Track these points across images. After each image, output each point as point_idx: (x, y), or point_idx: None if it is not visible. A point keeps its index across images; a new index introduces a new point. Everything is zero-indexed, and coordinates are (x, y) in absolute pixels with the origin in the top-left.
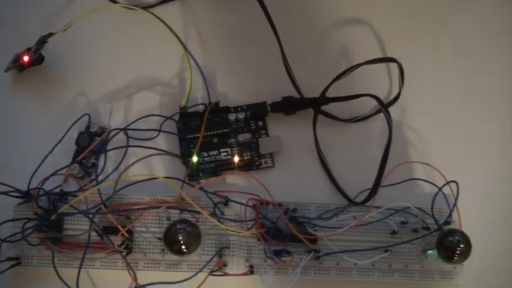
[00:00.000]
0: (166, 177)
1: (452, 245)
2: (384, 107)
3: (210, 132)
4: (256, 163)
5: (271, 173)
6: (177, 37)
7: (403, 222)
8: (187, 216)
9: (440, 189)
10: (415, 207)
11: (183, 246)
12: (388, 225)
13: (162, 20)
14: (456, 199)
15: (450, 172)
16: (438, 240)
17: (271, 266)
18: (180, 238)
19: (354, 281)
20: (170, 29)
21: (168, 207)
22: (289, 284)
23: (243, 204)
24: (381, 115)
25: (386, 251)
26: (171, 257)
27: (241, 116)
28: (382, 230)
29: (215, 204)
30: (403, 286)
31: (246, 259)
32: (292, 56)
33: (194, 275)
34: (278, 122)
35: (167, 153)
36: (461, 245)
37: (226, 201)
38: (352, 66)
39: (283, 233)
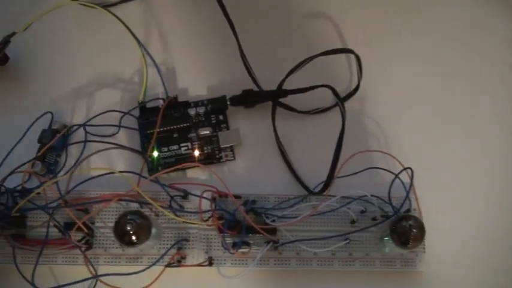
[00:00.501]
0: (121, 171)
1: (404, 230)
2: (338, 97)
3: (170, 127)
4: (217, 156)
5: (232, 166)
6: (133, 34)
7: (362, 211)
8: (145, 210)
9: (396, 175)
10: (372, 195)
11: (133, 237)
12: (348, 214)
13: (119, 18)
14: (411, 185)
15: (410, 160)
16: (391, 226)
17: (231, 258)
18: (129, 229)
19: (315, 271)
20: (126, 26)
21: (127, 201)
22: (245, 275)
23: (199, 196)
24: (337, 108)
25: (345, 240)
26: (131, 251)
27: (202, 110)
28: (342, 219)
29: (171, 197)
30: (365, 274)
31: (205, 251)
32: (252, 49)
33: (147, 268)
34: (239, 115)
35: (124, 147)
36: (414, 230)
37: (186, 194)
38: (307, 58)
39: (241, 224)
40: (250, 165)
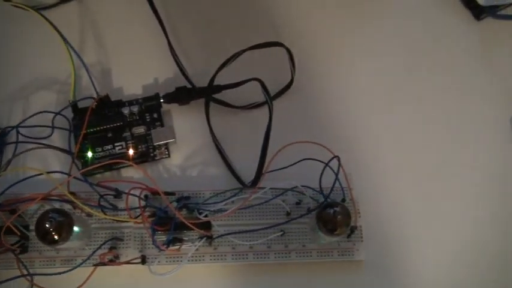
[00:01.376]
0: (49, 172)
1: (329, 217)
2: (265, 90)
3: (104, 127)
4: (151, 155)
5: (168, 164)
6: (60, 34)
7: (297, 203)
8: (77, 211)
9: (326, 164)
10: (303, 186)
11: (54, 235)
12: (284, 207)
13: (47, 19)
14: (337, 173)
15: (346, 152)
16: (317, 215)
17: (166, 256)
18: (48, 226)
19: (251, 264)
20: (54, 27)
21: (53, 201)
22: (176, 271)
23: (126, 193)
24: (277, 101)
25: (280, 231)
26: (66, 253)
27: (135, 109)
28: (277, 212)
29: (101, 196)
30: (302, 266)
31: (140, 250)
32: (186, 46)
33: (73, 269)
34: (173, 113)
35: (51, 147)
36: (339, 216)
37: (119, 193)
38: (236, 53)
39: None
40: (186, 163)
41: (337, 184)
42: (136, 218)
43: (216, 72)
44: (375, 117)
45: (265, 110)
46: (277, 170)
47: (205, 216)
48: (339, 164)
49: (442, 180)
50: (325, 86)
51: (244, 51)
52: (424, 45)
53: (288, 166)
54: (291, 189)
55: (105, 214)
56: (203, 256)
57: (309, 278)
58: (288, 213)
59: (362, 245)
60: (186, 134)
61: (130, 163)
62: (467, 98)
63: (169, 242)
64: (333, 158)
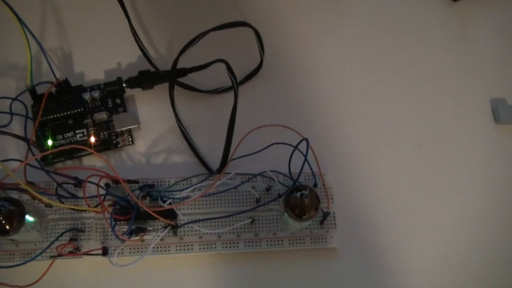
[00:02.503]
0: (3, 160)
1: (296, 201)
2: (231, 71)
3: (64, 113)
4: (114, 142)
5: (131, 151)
6: (18, 17)
7: (267, 189)
8: (35, 202)
9: (295, 147)
10: (272, 171)
11: (3, 224)
12: (253, 193)
13: (6, 3)
14: (306, 156)
15: (314, 136)
16: (284, 199)
17: (129, 247)
18: None
19: (219, 254)
20: (12, 10)
21: (4, 189)
22: (137, 262)
23: (83, 181)
24: (246, 85)
25: (250, 218)
26: (25, 246)
27: (97, 94)
28: (246, 199)
29: (58, 184)
30: (273, 255)
31: (102, 241)
32: (149, 29)
33: (28, 261)
34: (137, 98)
35: (2, 133)
36: (306, 200)
37: (79, 182)
38: (200, 34)
39: (135, 210)
40: (151, 150)
41: (308, 170)
42: (96, 207)
43: (179, 54)
44: (348, 100)
45: (233, 94)
46: (247, 155)
47: (169, 204)
48: (307, 146)
49: (419, 165)
50: (295, 70)
51: (208, 31)
52: (399, 27)
53: (257, 152)
54: (259, 174)
55: (63, 204)
56: (168, 247)
57: (280, 267)
58: (257, 200)
59: (335, 232)
60: (151, 120)
61: (91, 150)
62: (445, 80)
63: (131, 232)
64: (301, 141)
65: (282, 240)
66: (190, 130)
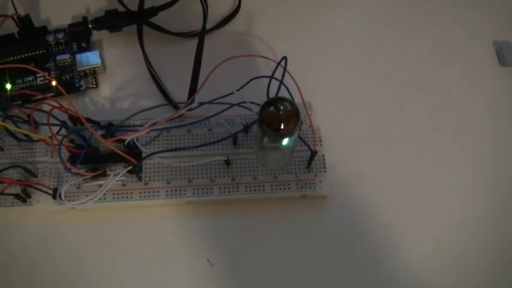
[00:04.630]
0: None
1: (272, 114)
2: None
3: (25, 55)
4: (77, 85)
5: (95, 95)
6: None
7: (245, 126)
8: None
9: (271, 76)
10: (252, 102)
11: None
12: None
13: None
14: (284, 73)
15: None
16: (259, 117)
17: (86, 193)
18: None
19: (190, 203)
20: None
21: None
22: (86, 203)
23: (32, 108)
24: (220, 30)
25: (227, 161)
26: None
27: (61, 35)
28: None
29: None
30: (253, 203)
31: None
32: None
33: None
34: (105, 41)
35: None
36: (282, 108)
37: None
38: None
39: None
40: (116, 94)
41: None
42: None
43: None
44: (340, 39)
45: (208, 38)
46: (224, 96)
47: (129, 142)
48: (285, 64)
49: (417, 108)
50: (273, 15)
51: None
52: None
53: (230, 94)
54: (236, 104)
55: (18, 127)
56: (131, 193)
57: (261, 218)
58: (234, 140)
59: (325, 177)
60: (118, 65)
61: (47, 96)
62: (446, 23)
63: (82, 162)
64: (279, 63)
65: (263, 186)
66: (161, 74)
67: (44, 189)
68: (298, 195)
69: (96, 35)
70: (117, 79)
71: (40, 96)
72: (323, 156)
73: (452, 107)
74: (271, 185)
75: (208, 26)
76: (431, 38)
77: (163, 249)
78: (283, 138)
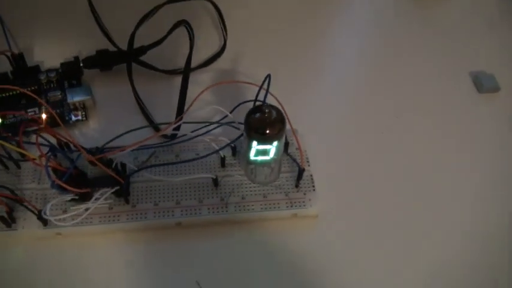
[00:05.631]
0: None
1: (257, 119)
2: (191, 29)
3: (17, 92)
4: (67, 118)
5: (85, 127)
6: None
7: (233, 149)
8: None
9: (260, 86)
10: (240, 123)
11: None
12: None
13: None
14: (268, 88)
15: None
16: (245, 124)
17: (72, 217)
18: None
19: (179, 223)
20: None
21: None
22: (71, 222)
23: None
24: (206, 68)
25: (215, 181)
26: None
27: (53, 74)
28: (211, 162)
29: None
30: (243, 224)
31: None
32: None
33: None
34: (96, 80)
35: None
36: (267, 110)
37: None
38: (156, 7)
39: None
40: (106, 126)
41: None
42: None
43: (136, 28)
44: (327, 66)
45: (195, 74)
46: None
47: (116, 164)
48: (269, 81)
49: (399, 130)
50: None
51: (163, 4)
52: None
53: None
54: (226, 123)
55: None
56: (118, 216)
57: (250, 236)
58: (224, 163)
59: (315, 195)
60: (108, 99)
61: (36, 127)
62: (425, 56)
63: (68, 178)
64: (265, 80)
65: (252, 205)
66: (149, 108)
67: (30, 207)
68: (288, 215)
69: (87, 73)
70: (106, 113)
71: (33, 128)
72: (311, 175)
73: (434, 133)
74: (261, 204)
75: (194, 65)
76: (412, 69)
77: (153, 272)
78: (271, 141)
